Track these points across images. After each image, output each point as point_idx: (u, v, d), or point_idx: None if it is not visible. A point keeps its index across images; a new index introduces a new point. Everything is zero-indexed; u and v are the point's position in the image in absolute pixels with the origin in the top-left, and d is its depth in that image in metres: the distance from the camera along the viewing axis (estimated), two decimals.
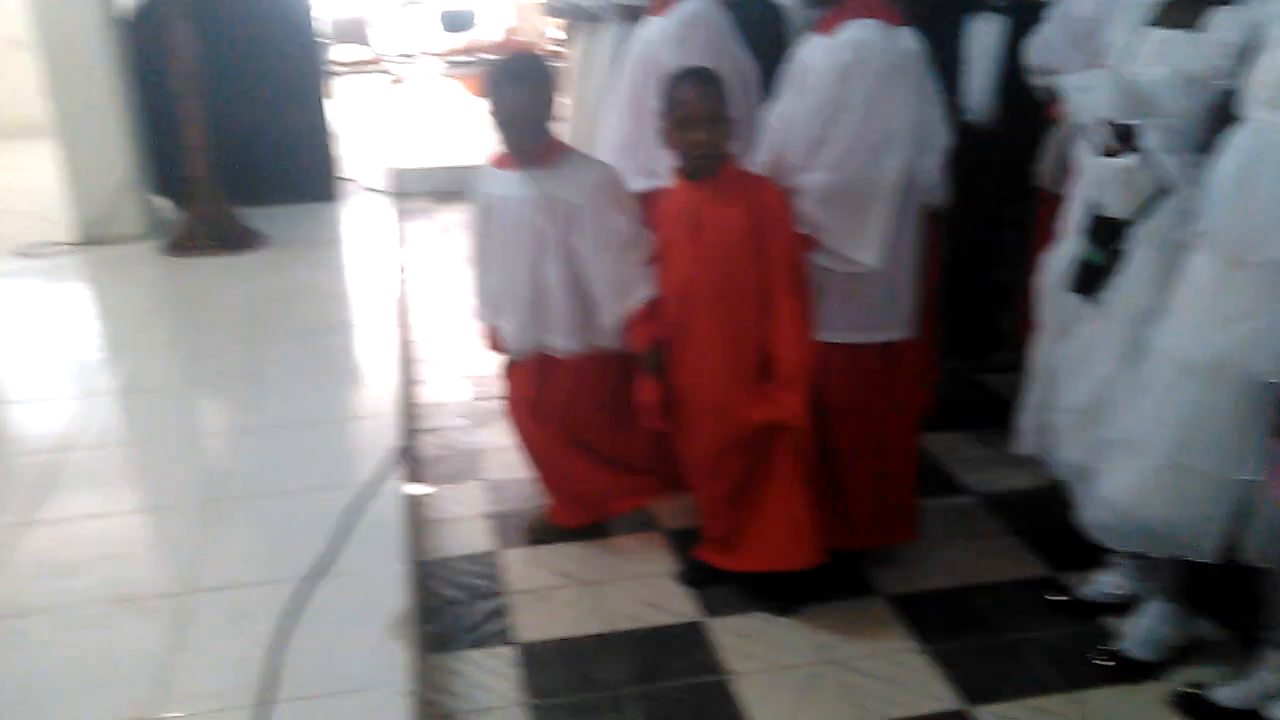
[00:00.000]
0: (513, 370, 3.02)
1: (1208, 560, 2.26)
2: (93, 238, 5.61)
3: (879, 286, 2.69)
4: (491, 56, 9.49)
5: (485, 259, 2.93)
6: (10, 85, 8.15)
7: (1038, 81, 3.53)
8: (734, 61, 3.12)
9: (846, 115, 2.55)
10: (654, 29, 3.17)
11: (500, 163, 2.85)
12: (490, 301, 2.95)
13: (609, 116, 3.31)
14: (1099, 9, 3.21)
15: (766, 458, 2.68)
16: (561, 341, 2.86)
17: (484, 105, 2.73)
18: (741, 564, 2.80)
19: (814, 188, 2.59)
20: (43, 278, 5.19)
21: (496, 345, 3.02)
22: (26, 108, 7.59)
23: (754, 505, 2.72)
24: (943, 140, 3.26)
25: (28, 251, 5.53)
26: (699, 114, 2.52)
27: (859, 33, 2.58)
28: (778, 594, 2.80)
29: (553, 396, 2.96)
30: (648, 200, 2.91)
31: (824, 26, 2.67)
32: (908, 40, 2.70)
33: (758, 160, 2.75)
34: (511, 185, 2.80)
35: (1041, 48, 3.51)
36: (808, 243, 2.62)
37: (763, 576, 2.79)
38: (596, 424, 3.00)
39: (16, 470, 3.27)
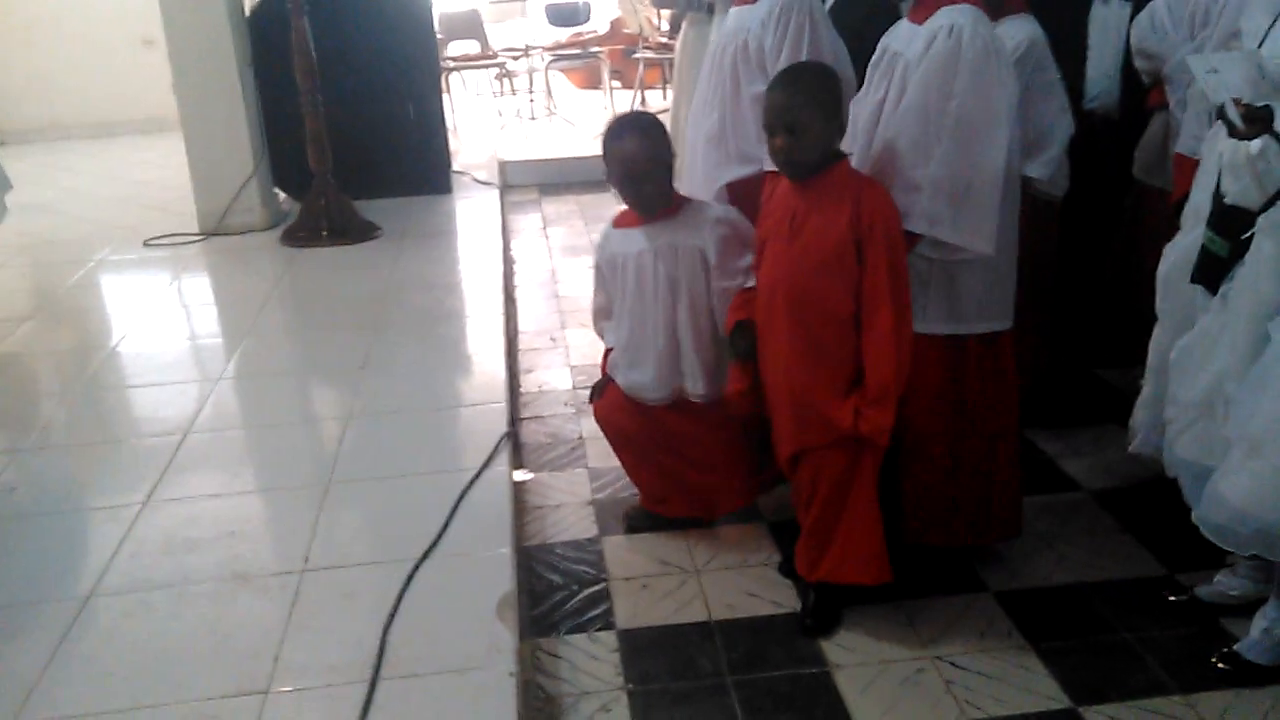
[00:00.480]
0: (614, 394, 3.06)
1: None
2: (216, 228, 5.82)
3: (982, 276, 2.63)
4: (597, 49, 9.57)
5: (615, 316, 3.01)
6: (142, 83, 8.52)
7: (1140, 64, 3.43)
8: (830, 48, 3.09)
9: (951, 104, 2.49)
10: (746, 15, 3.15)
11: (621, 221, 2.94)
12: (624, 357, 2.99)
13: (699, 106, 3.31)
14: None
15: (844, 470, 2.59)
16: (699, 387, 2.90)
17: (605, 165, 2.83)
18: (814, 574, 2.72)
19: (928, 182, 2.52)
20: (168, 267, 5.41)
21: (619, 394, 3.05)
22: (156, 104, 7.95)
23: (827, 517, 2.64)
24: (1064, 131, 3.20)
25: (155, 242, 5.76)
26: (778, 121, 2.46)
27: (951, 18, 2.52)
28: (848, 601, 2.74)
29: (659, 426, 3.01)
30: (748, 186, 2.90)
31: (916, 14, 2.62)
32: (1014, 27, 2.66)
33: (853, 152, 2.69)
34: (635, 242, 2.88)
35: (1146, 29, 3.40)
36: (910, 240, 2.55)
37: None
38: (696, 439, 3.02)
39: (143, 451, 3.41)
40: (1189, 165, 2.98)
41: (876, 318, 2.47)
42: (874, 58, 2.74)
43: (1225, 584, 2.66)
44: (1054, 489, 3.28)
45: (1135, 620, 2.66)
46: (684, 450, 3.02)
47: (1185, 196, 2.91)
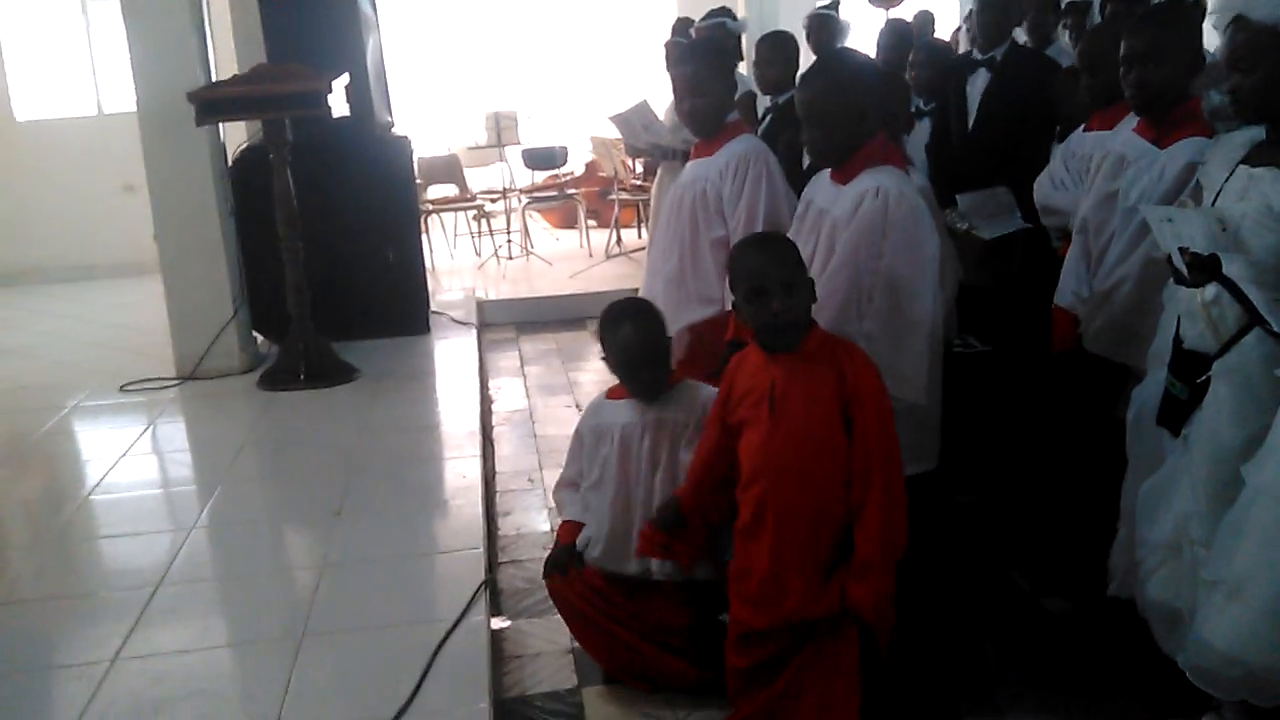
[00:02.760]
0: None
1: None
2: (193, 372, 5.82)
3: (910, 422, 2.64)
4: (573, 190, 9.77)
5: (590, 489, 2.98)
6: (122, 227, 8.61)
7: (1048, 221, 3.57)
8: (784, 196, 3.20)
9: (881, 263, 2.57)
10: (703, 166, 3.28)
11: (615, 393, 2.97)
12: (599, 530, 2.95)
13: (658, 252, 3.41)
14: (1095, 145, 3.27)
15: (816, 642, 2.49)
16: (665, 567, 2.85)
17: (602, 348, 2.90)
18: None
19: (863, 336, 2.59)
20: (144, 412, 5.39)
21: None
22: (136, 248, 8.03)
23: (791, 693, 2.53)
24: (954, 276, 3.31)
25: (131, 387, 5.76)
26: (773, 280, 2.39)
27: (877, 179, 2.62)
28: None
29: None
30: (709, 327, 2.95)
31: (839, 175, 2.72)
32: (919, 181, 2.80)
33: None
34: (625, 414, 2.90)
35: (1048, 188, 3.56)
36: None
37: None
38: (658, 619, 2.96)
39: (113, 605, 3.35)
40: (1067, 319, 3.07)
41: (871, 487, 2.40)
42: (799, 210, 2.84)
43: None
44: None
45: None
46: (643, 629, 2.94)
47: (1065, 351, 3.00)
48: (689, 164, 3.39)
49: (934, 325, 2.62)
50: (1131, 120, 3.07)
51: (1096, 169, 3.11)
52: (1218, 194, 2.43)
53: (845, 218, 2.64)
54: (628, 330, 2.81)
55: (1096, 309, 2.88)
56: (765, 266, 2.42)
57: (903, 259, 2.57)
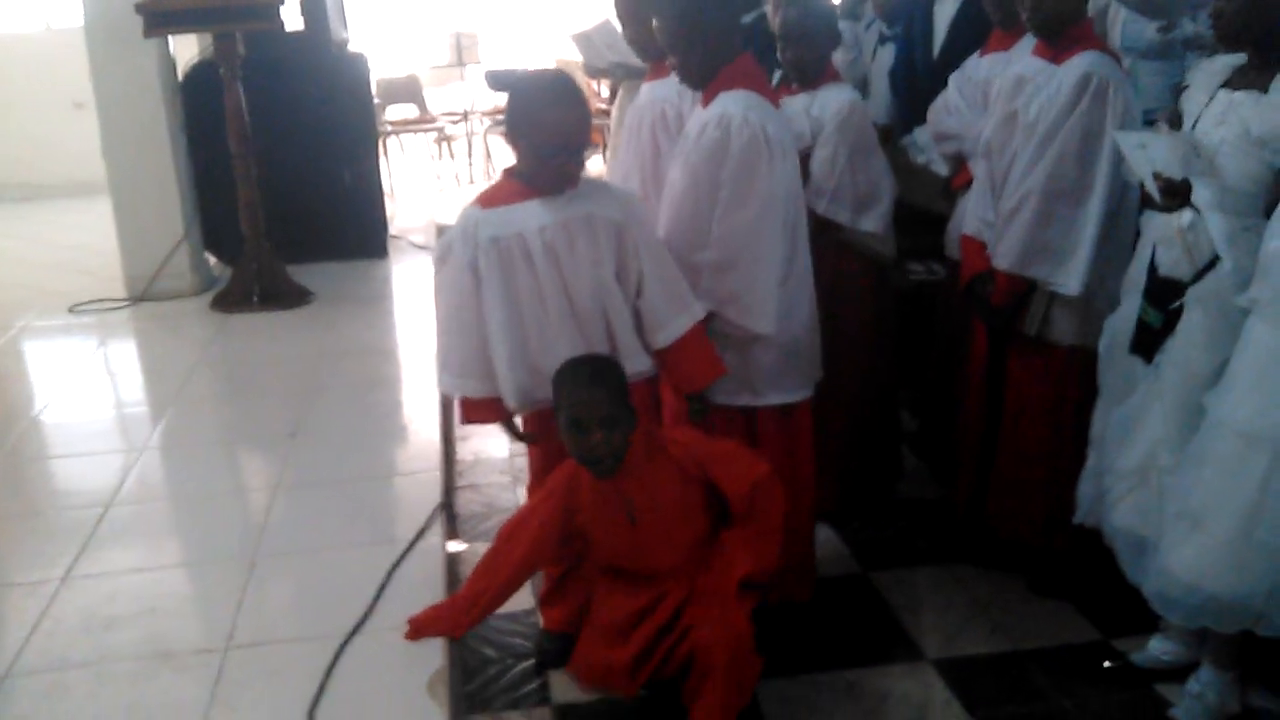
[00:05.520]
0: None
1: None
2: (144, 294, 5.71)
3: (773, 350, 2.66)
4: None
5: (499, 327, 2.48)
6: (72, 146, 8.38)
7: (943, 148, 3.54)
8: None
9: (721, 193, 2.55)
10: (661, 88, 3.19)
11: (495, 198, 2.50)
12: (527, 367, 2.51)
13: (619, 177, 3.33)
14: (991, 69, 3.25)
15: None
16: (642, 362, 2.56)
17: (514, 131, 2.42)
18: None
19: (706, 265, 2.58)
20: (94, 333, 5.30)
21: (484, 413, 2.64)
22: (86, 168, 7.81)
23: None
24: (890, 188, 3.29)
25: (81, 308, 5.64)
26: (592, 420, 2.29)
27: (724, 106, 2.57)
28: None
29: None
30: None
31: (704, 98, 2.67)
32: (832, 94, 3.08)
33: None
34: (531, 217, 2.44)
35: (942, 113, 3.53)
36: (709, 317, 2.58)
37: None
38: None
39: (64, 524, 3.30)
40: (976, 246, 3.06)
41: (744, 530, 2.43)
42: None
43: (1159, 649, 2.68)
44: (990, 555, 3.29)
45: (1072, 686, 2.66)
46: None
47: (975, 277, 2.99)
48: (645, 85, 3.30)
49: (780, 255, 2.60)
50: (1028, 44, 3.06)
51: (997, 92, 3.09)
52: (1197, 119, 2.41)
53: (692, 141, 2.62)
54: (573, 112, 2.39)
55: (1005, 227, 2.86)
56: (588, 403, 2.30)
57: (742, 189, 2.53)
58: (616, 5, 3.44)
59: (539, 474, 2.72)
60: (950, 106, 3.54)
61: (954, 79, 3.55)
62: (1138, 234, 2.69)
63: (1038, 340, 2.90)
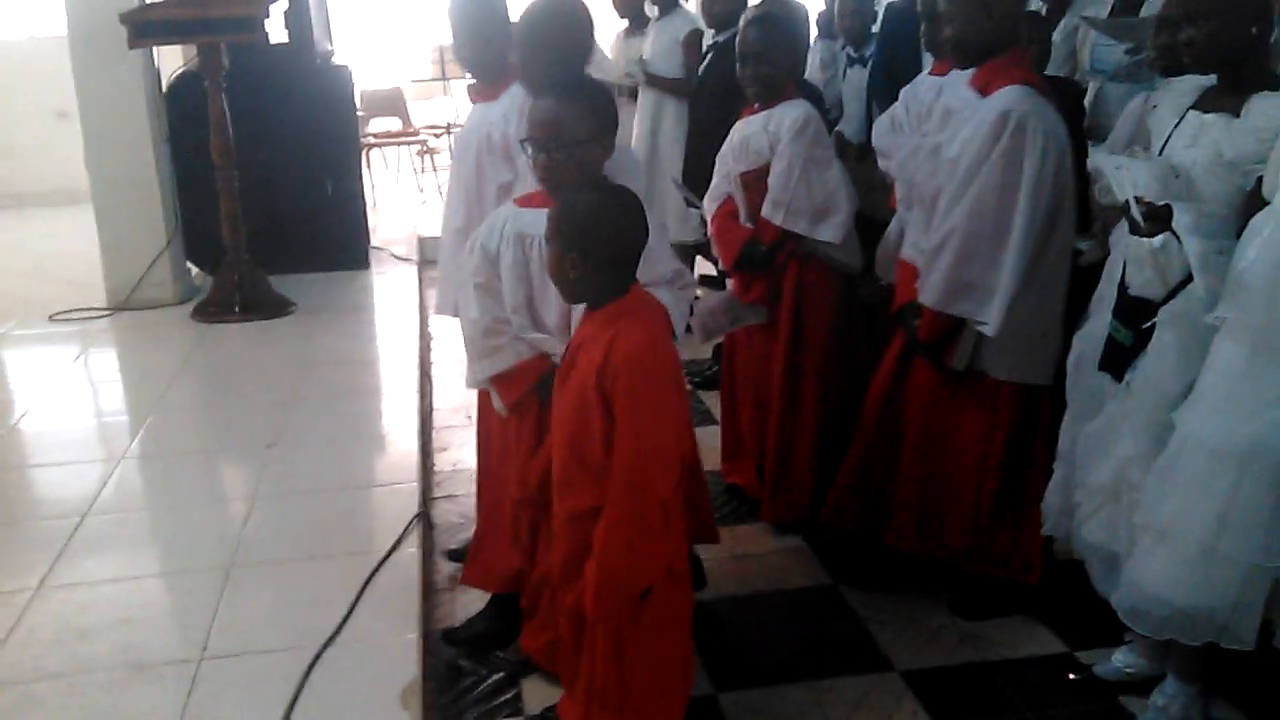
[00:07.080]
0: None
1: (1247, 648, 2.22)
2: (125, 303, 5.72)
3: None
4: None
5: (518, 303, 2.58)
6: (57, 155, 8.37)
7: (881, 164, 3.54)
8: None
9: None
10: (486, 111, 3.05)
11: (532, 201, 2.55)
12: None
13: (449, 204, 3.19)
14: (931, 90, 3.26)
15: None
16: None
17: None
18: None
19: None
20: (74, 342, 5.30)
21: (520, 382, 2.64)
22: (68, 176, 7.82)
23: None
24: (848, 199, 3.36)
25: (61, 316, 5.64)
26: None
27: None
28: None
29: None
30: None
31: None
32: (790, 109, 3.20)
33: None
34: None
35: (885, 129, 3.54)
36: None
37: None
38: None
39: (40, 534, 3.31)
40: (909, 272, 3.03)
41: (608, 502, 2.08)
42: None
43: (1123, 662, 2.71)
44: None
45: (1038, 698, 2.69)
46: None
47: (906, 306, 3.00)
48: (474, 107, 3.14)
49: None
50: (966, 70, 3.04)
51: (931, 118, 3.10)
52: (1166, 140, 2.44)
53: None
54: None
55: (929, 264, 2.86)
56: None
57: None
58: (454, 21, 3.07)
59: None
60: (896, 122, 3.52)
61: (904, 94, 3.54)
62: (1078, 266, 2.71)
63: (968, 372, 2.90)
